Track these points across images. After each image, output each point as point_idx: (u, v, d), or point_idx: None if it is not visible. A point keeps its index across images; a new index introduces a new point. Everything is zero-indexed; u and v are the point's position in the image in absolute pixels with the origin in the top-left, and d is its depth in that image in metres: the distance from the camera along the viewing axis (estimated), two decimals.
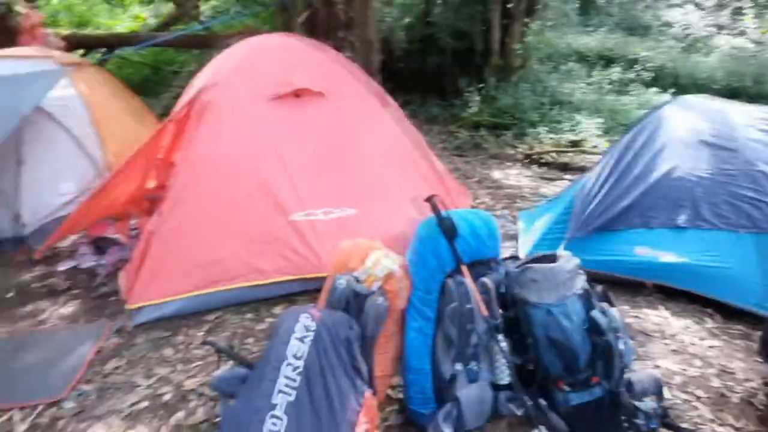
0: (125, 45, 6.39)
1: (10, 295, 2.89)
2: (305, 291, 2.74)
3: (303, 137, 3.02)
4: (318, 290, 2.47)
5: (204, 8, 7.48)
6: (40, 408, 2.03)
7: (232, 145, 2.87)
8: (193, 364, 2.28)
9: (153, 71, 7.42)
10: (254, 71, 3.19)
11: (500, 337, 1.82)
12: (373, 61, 5.50)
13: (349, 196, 3.00)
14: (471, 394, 1.77)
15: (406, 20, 7.67)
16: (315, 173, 2.96)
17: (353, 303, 1.90)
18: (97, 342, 2.42)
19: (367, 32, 5.53)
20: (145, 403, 2.07)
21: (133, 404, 2.06)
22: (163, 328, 2.53)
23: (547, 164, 5.41)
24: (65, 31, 6.52)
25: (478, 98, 6.78)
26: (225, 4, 8.02)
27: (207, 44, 6.18)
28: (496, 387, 1.83)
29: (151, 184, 3.75)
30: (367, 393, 1.74)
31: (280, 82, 3.08)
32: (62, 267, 3.12)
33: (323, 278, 2.54)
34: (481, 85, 6.90)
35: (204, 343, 2.36)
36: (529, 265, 1.88)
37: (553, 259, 1.93)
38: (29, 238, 3.42)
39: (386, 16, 7.51)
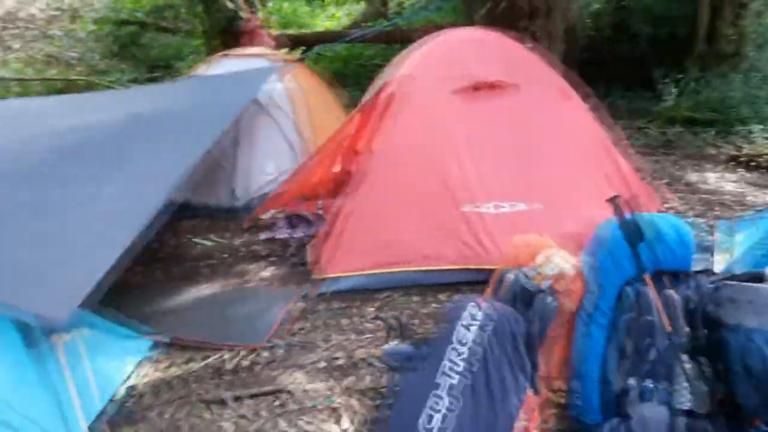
0: (323, 42, 7.09)
1: (225, 256, 3.47)
2: (469, 281, 2.79)
3: (483, 130, 3.06)
4: (482, 282, 2.51)
5: (392, 5, 7.91)
6: (243, 353, 2.43)
7: (414, 135, 3.04)
8: (365, 336, 2.51)
9: (343, 65, 8.11)
10: (439, 64, 3.31)
11: (684, 357, 1.66)
12: (557, 52, 5.27)
13: (522, 191, 2.97)
14: (644, 414, 1.66)
15: (595, 6, 7.15)
16: (490, 166, 2.99)
17: (520, 299, 1.90)
18: (287, 304, 2.79)
19: (552, 22, 5.31)
20: (323, 364, 2.34)
21: (313, 362, 2.35)
22: (341, 300, 2.81)
23: (758, 168, 4.64)
24: (275, 32, 7.46)
25: (674, 90, 6.05)
26: (411, 1, 8.39)
27: (394, 39, 6.54)
28: (674, 412, 1.68)
29: (337, 168, 4.15)
30: (529, 391, 1.74)
31: (464, 75, 3.15)
32: (263, 237, 3.65)
33: (489, 270, 2.57)
34: (680, 76, 6.15)
35: (376, 318, 2.57)
36: (728, 282, 1.67)
37: (758, 278, 1.69)
38: (240, 210, 4.05)
39: (572, 3, 7.10)
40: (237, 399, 2.13)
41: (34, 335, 1.84)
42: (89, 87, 6.69)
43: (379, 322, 2.57)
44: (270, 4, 8.87)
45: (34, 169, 2.50)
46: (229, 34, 6.54)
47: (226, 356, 2.40)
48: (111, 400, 2.12)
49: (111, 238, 2.21)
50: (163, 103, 3.68)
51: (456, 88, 3.12)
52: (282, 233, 3.62)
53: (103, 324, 2.33)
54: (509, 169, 3.03)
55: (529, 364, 1.77)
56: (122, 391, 2.19)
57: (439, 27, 4.94)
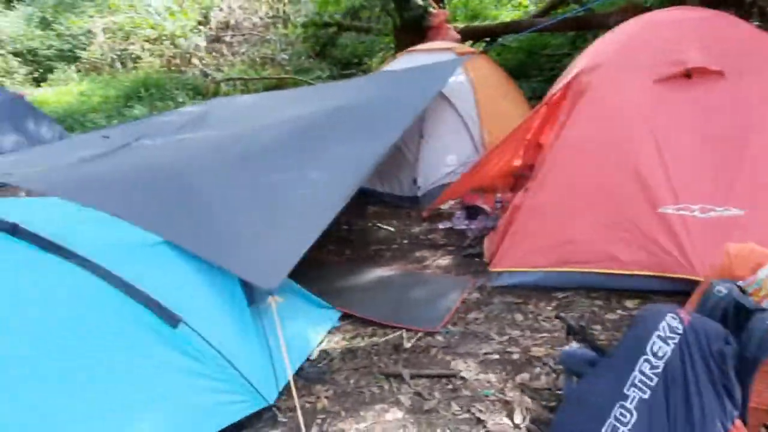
0: (508, 33, 6.95)
1: (405, 242, 3.67)
2: (664, 290, 2.53)
3: (689, 123, 2.72)
4: (679, 292, 2.26)
5: None
6: (420, 334, 2.56)
7: (606, 128, 2.83)
8: (540, 334, 2.44)
9: (527, 56, 7.85)
10: (641, 51, 3.02)
11: None
12: None
13: (736, 194, 2.56)
14: None
15: None
16: (697, 164, 2.64)
17: (732, 316, 1.67)
18: (462, 293, 2.86)
19: None
20: (496, 356, 2.35)
21: (486, 353, 2.37)
22: (516, 295, 2.78)
23: None
24: (461, 25, 7.55)
25: None
26: None
27: (587, 25, 6.12)
28: None
29: (517, 162, 4.07)
30: (737, 421, 1.53)
31: (670, 62, 2.83)
32: (441, 226, 3.77)
33: (687, 281, 2.30)
34: None
35: (557, 317, 2.49)
36: None
37: None
38: (421, 199, 4.23)
39: None
40: (414, 377, 2.26)
41: (255, 295, 2.19)
42: (296, 84, 7.58)
43: (558, 322, 2.48)
44: None
45: (255, 155, 2.93)
46: (417, 30, 6.81)
47: (405, 335, 2.56)
48: (307, 359, 2.42)
49: (313, 219, 2.50)
50: (358, 96, 4.00)
51: (661, 77, 2.81)
52: (460, 224, 3.69)
53: (301, 293, 2.66)
54: (720, 168, 2.63)
55: (739, 391, 1.55)
56: (316, 353, 2.48)
57: (640, 9, 4.48)
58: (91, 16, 9.87)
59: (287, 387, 2.10)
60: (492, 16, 9.16)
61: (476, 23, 8.58)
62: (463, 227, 3.66)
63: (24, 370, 1.63)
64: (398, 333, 2.59)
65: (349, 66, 8.73)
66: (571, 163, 2.84)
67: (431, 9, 6.63)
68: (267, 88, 7.72)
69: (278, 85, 7.83)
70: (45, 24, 9.98)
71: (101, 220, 2.20)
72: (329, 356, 2.47)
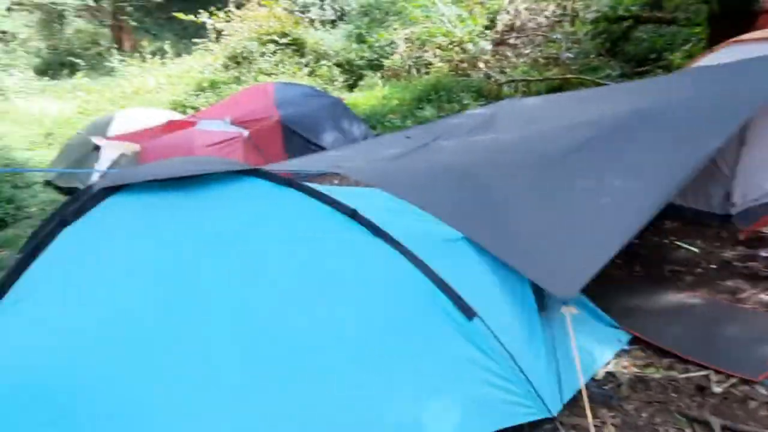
0: None
1: (712, 266, 3.14)
2: None
3: None
4: None
5: None
6: (733, 380, 2.15)
7: None
8: None
9: None
10: None
11: None
12: None
13: None
14: None
15: None
16: None
17: None
18: None
19: None
20: None
21: None
22: None
23: None
24: None
25: None
26: None
27: None
28: None
29: None
30: None
31: None
32: (764, 253, 3.09)
33: None
34: None
35: None
36: None
37: None
38: (735, 218, 3.55)
39: None
40: (725, 429, 1.92)
41: (546, 301, 2.17)
42: (582, 84, 7.22)
43: None
44: None
45: (551, 158, 2.88)
46: (739, 17, 5.69)
47: (713, 378, 2.19)
48: (592, 379, 2.29)
49: (615, 230, 2.34)
50: (665, 98, 3.57)
51: None
52: None
53: (589, 306, 2.52)
54: None
55: None
56: (601, 374, 2.33)
57: None
58: (395, 29, 11.23)
59: (572, 403, 2.03)
60: None
61: None
62: None
63: (345, 347, 1.85)
64: (704, 373, 2.23)
65: (644, 62, 7.86)
66: None
67: None
68: (549, 90, 7.55)
69: (562, 85, 7.57)
70: (360, 38, 11.79)
71: (412, 213, 2.48)
72: (616, 380, 2.29)
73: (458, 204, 2.59)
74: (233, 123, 7.16)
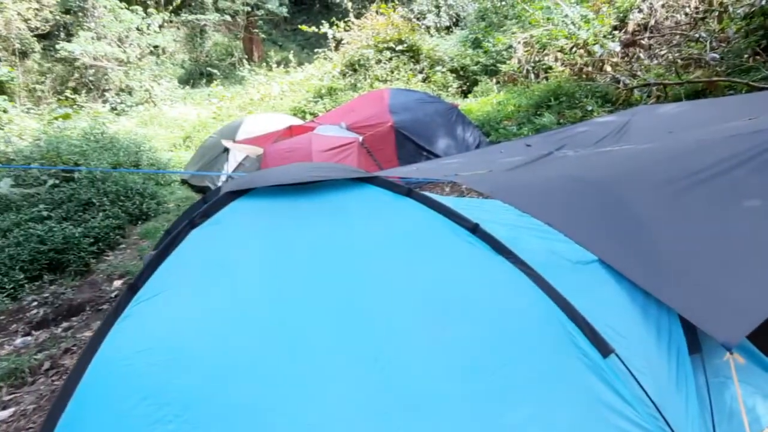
0: None
1: None
2: None
3: None
4: None
5: None
6: None
7: None
8: None
9: None
10: None
11: None
12: None
13: None
14: None
15: None
16: None
17: None
18: None
19: None
20: None
21: None
22: None
23: None
24: None
25: None
26: None
27: None
28: None
29: None
30: None
31: None
32: None
33: None
34: None
35: None
36: None
37: None
38: None
39: None
40: None
41: (701, 343, 1.85)
42: (730, 88, 6.37)
43: None
44: None
45: (707, 175, 2.48)
46: None
47: None
48: None
49: None
50: None
51: None
52: None
53: (752, 351, 2.12)
54: None
55: None
56: None
57: None
58: (514, 33, 10.84)
59: None
60: None
61: None
62: None
63: (460, 377, 1.67)
64: None
65: None
66: None
67: None
68: (690, 95, 6.77)
69: (706, 89, 6.75)
70: (476, 44, 11.57)
71: (538, 229, 2.26)
72: None
73: (591, 222, 2.32)
74: (349, 128, 7.34)
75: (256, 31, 20.40)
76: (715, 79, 6.85)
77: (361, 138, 6.92)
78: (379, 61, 12.09)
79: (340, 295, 1.82)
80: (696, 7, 9.06)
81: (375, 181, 2.19)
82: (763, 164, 2.48)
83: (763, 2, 7.71)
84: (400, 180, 5.26)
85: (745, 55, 7.31)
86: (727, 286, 1.90)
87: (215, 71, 18.09)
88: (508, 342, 1.76)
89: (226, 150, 8.18)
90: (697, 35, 8.42)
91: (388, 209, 2.15)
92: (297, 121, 8.71)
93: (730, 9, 8.35)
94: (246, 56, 19.84)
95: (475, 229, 2.01)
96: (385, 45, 12.21)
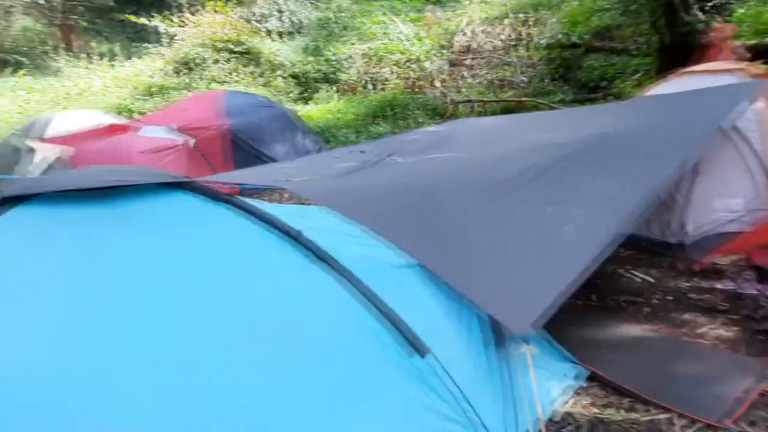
0: None
1: (669, 298, 3.07)
2: None
3: None
4: None
5: None
6: (699, 425, 2.03)
7: None
8: None
9: None
10: None
11: None
12: None
13: None
14: None
15: None
16: None
17: None
18: (761, 382, 2.21)
19: None
20: None
21: None
22: None
23: None
24: (749, 42, 6.28)
25: None
26: None
27: None
28: None
29: None
30: None
31: None
32: (721, 286, 3.06)
33: None
34: None
35: None
36: None
37: None
38: (689, 248, 3.52)
39: None
40: None
41: (504, 336, 2.00)
42: (535, 107, 7.28)
43: None
44: (740, 11, 7.55)
45: (510, 183, 2.74)
46: (687, 48, 5.89)
47: (676, 422, 2.06)
48: (550, 420, 2.12)
49: (572, 261, 2.20)
50: (624, 124, 3.53)
51: None
52: (750, 288, 2.93)
53: (546, 340, 2.37)
54: None
55: None
56: (560, 414, 2.17)
57: None
58: (353, 44, 11.11)
59: None
60: None
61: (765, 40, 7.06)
62: (754, 292, 2.90)
63: (274, 392, 1.57)
64: (666, 415, 2.11)
65: (595, 90, 8.04)
66: None
67: (714, 23, 5.65)
68: (504, 111, 7.58)
69: (516, 107, 7.62)
70: (317, 51, 11.59)
71: (363, 235, 2.26)
72: (576, 422, 2.13)
73: (412, 227, 2.40)
74: (179, 130, 6.81)
75: (76, 17, 17.97)
76: (523, 99, 7.79)
77: (193, 141, 6.46)
78: (216, 62, 11.47)
79: (133, 318, 1.59)
80: (509, 35, 10.24)
81: (185, 186, 1.99)
82: (556, 173, 2.83)
83: (559, 36, 9.00)
84: (237, 186, 4.99)
85: (546, 80, 8.45)
86: (522, 282, 2.10)
87: (24, 59, 15.52)
88: (324, 350, 1.71)
89: (32, 150, 7.01)
90: (510, 60, 9.50)
91: (202, 216, 1.97)
92: (121, 119, 7.81)
93: (535, 39, 9.59)
94: (63, 45, 17.34)
95: (297, 237, 1.93)
96: (224, 45, 11.63)
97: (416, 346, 1.82)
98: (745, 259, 3.23)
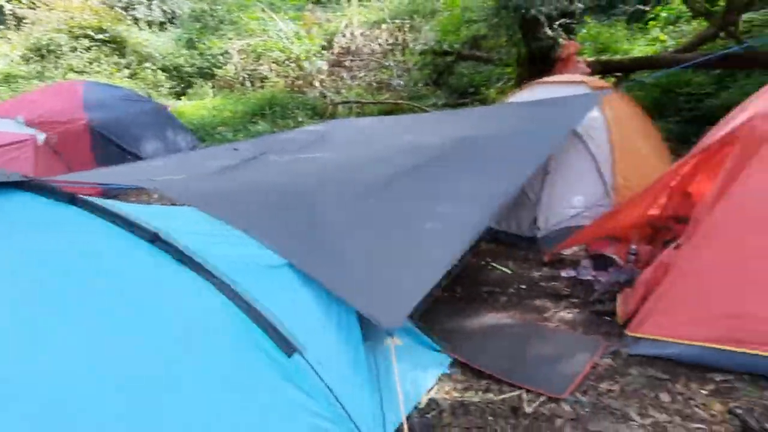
0: (646, 68, 6.45)
1: (523, 287, 3.39)
2: None
3: None
4: None
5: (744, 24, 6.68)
6: (542, 398, 2.28)
7: None
8: (695, 424, 2.06)
9: (662, 93, 7.22)
10: None
11: None
12: None
13: None
14: None
15: None
16: None
17: None
18: (592, 356, 2.53)
19: None
20: None
21: None
22: (661, 369, 2.40)
23: None
24: (589, 58, 7.14)
25: None
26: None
27: (742, 65, 5.47)
28: None
29: (654, 211, 3.64)
30: None
31: None
32: (564, 274, 3.44)
33: None
34: None
35: (730, 412, 2.08)
36: None
37: None
38: (540, 241, 3.93)
39: None
40: None
41: (371, 331, 2.07)
42: (411, 110, 7.59)
43: (718, 411, 2.08)
44: (584, 31, 8.56)
45: (380, 183, 2.85)
46: (543, 61, 6.54)
47: (525, 397, 2.29)
48: (416, 407, 2.24)
49: (437, 256, 2.34)
50: (487, 127, 3.83)
51: None
52: (586, 274, 3.34)
53: (412, 331, 2.50)
54: None
55: None
56: (425, 401, 2.29)
57: None
58: (230, 39, 10.71)
59: None
60: (622, 50, 8.60)
61: (606, 57, 8.08)
62: (590, 278, 3.31)
63: (135, 403, 1.48)
64: (517, 393, 2.33)
65: (465, 95, 8.61)
66: (744, 222, 2.42)
67: (561, 40, 6.34)
68: (382, 112, 7.82)
69: (393, 109, 7.89)
70: (191, 44, 11.00)
71: (230, 236, 2.20)
72: (439, 407, 2.27)
73: (283, 227, 2.38)
74: (27, 124, 6.07)
75: None
76: (399, 101, 8.09)
77: (42, 136, 5.79)
78: (74, 49, 10.39)
79: None
80: (387, 40, 10.55)
81: (24, 185, 1.79)
82: (426, 173, 2.99)
83: (433, 43, 9.46)
84: (99, 186, 4.55)
85: (420, 84, 8.85)
86: (389, 278, 2.19)
87: None
88: (185, 350, 1.64)
89: None
90: (387, 63, 9.80)
91: (45, 218, 1.79)
92: None
93: (411, 45, 9.99)
94: None
95: (155, 238, 1.83)
96: (83, 32, 10.57)
97: (283, 345, 1.82)
98: (584, 250, 3.66)
